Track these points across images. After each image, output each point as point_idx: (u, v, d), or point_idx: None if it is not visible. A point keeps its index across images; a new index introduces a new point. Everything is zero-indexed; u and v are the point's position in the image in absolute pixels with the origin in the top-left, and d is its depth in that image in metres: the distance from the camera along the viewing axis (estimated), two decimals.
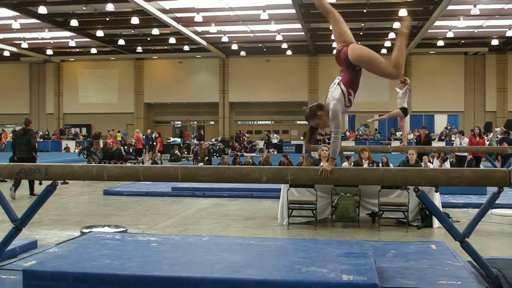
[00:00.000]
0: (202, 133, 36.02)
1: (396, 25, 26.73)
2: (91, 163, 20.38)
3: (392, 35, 29.85)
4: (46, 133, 37.23)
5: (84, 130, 39.29)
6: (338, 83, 4.99)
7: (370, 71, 5.03)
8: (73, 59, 39.76)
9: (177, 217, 10.35)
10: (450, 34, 29.87)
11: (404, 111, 11.05)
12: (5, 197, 5.60)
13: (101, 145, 22.87)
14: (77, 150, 30.51)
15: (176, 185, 13.37)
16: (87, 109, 39.32)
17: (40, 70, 40.81)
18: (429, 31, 28.06)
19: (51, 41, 33.53)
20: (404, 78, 10.92)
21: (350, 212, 8.97)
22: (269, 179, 5.06)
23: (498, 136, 23.41)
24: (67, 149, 33.77)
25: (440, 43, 32.06)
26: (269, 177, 5.05)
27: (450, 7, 23.12)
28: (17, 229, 5.47)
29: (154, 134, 29.58)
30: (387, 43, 32.27)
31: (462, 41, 32.96)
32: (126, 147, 25.77)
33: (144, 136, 30.60)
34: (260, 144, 34.23)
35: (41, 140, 35.64)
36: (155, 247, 6.01)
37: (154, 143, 27.43)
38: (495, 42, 31.71)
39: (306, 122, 5.22)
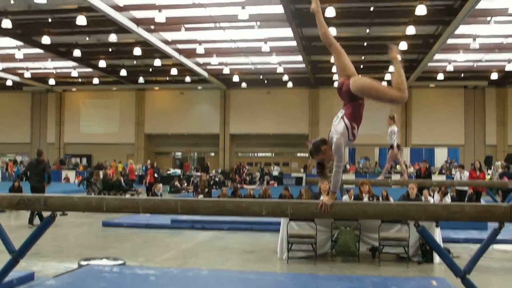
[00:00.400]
0: (208, 165, 35.74)
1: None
2: (90, 194, 20.35)
3: (392, 68, 30.06)
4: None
5: (84, 160, 39.29)
6: (341, 117, 4.98)
7: (375, 99, 5.04)
8: (75, 89, 40.00)
9: (176, 249, 10.28)
10: (450, 68, 30.08)
11: (393, 146, 11.17)
12: (3, 227, 5.56)
13: (101, 176, 22.89)
14: (77, 181, 30.42)
15: (175, 217, 13.28)
16: (88, 139, 39.38)
17: (42, 100, 41.01)
18: (429, 64, 28.25)
19: (54, 71, 33.77)
20: (392, 114, 11.07)
21: (350, 246, 8.90)
22: (269, 213, 5.05)
23: (499, 170, 23.36)
24: (67, 179, 33.71)
25: (440, 76, 32.26)
26: (269, 210, 5.03)
27: (449, 41, 23.33)
28: (14, 261, 5.43)
29: (148, 165, 29.42)
30: (388, 76, 32.43)
31: (462, 75, 33.16)
32: (126, 177, 25.71)
33: (143, 167, 30.61)
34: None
35: None
36: (153, 280, 5.96)
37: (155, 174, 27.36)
38: (494, 76, 31.88)
39: (311, 157, 5.20)
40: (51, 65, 31.55)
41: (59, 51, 27.86)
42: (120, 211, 5.64)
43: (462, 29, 21.69)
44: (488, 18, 20.64)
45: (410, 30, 21.46)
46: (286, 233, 9.09)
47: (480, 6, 18.45)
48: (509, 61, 28.69)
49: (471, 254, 5.29)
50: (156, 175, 26.46)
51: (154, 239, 11.54)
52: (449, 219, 5.11)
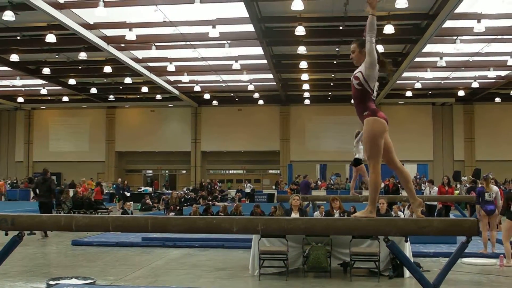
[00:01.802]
0: (203, 183, 34.65)
1: None
2: (60, 212, 20.05)
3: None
4: (15, 181, 36.56)
5: (54, 179, 38.62)
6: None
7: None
8: (44, 107, 39.55)
9: (147, 268, 10.18)
10: (418, 85, 30.58)
11: (356, 161, 11.30)
12: None
13: (71, 194, 22.61)
14: None
15: (146, 235, 13.17)
16: (57, 157, 38.83)
17: (10, 118, 40.48)
18: (398, 82, 28.69)
19: (23, 88, 33.35)
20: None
21: (321, 262, 8.92)
22: (239, 229, 5.04)
23: (467, 185, 23.71)
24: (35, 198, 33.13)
25: (409, 93, 32.76)
26: (240, 227, 5.02)
27: (417, 59, 23.75)
28: None
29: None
30: None
31: (430, 92, 33.72)
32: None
33: (114, 185, 30.32)
34: (232, 193, 34.07)
35: (9, 188, 34.98)
36: None
37: (125, 192, 27.11)
38: (461, 93, 32.54)
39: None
40: (19, 83, 31.17)
41: (28, 69, 27.60)
42: (90, 230, 5.58)
43: (429, 47, 22.13)
44: (454, 37, 21.07)
45: (379, 48, 21.67)
46: (257, 250, 9.08)
47: (446, 25, 18.89)
48: (475, 78, 29.30)
49: (441, 268, 5.35)
50: (126, 193, 26.26)
51: (125, 257, 11.41)
52: (418, 234, 5.17)
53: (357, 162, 11.32)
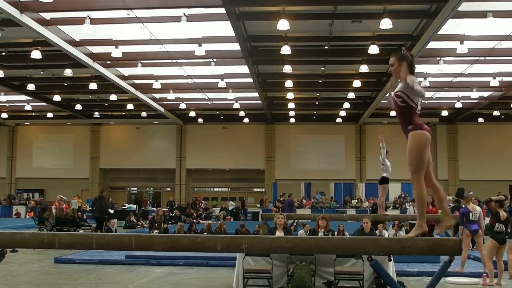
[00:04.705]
0: (173, 203, 33.80)
1: (351, 95, 27.53)
2: (42, 229, 19.86)
3: (346, 105, 30.65)
4: None
5: (37, 195, 38.26)
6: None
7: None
8: (28, 123, 39.25)
9: (130, 286, 10.10)
10: None
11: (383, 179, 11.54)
12: None
13: (54, 211, 22.44)
14: (28, 216, 29.65)
15: (130, 253, 13.09)
16: (40, 173, 38.48)
17: None
18: (382, 101, 28.89)
19: (7, 104, 33.07)
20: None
21: (306, 281, 8.92)
22: (223, 248, 5.04)
23: (450, 204, 23.84)
24: (18, 214, 32.79)
25: (393, 113, 32.68)
26: (224, 246, 5.02)
27: None
28: None
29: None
30: (342, 113, 33.07)
31: None
32: (80, 213, 25.17)
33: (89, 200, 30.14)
34: (217, 211, 33.94)
35: None
36: None
37: (109, 209, 26.92)
38: (445, 113, 32.85)
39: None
40: (3, 99, 30.92)
41: (13, 85, 27.45)
42: (73, 248, 5.55)
43: None
44: (438, 58, 21.36)
45: (364, 68, 21.99)
46: (242, 268, 9.07)
47: (429, 46, 19.13)
48: (458, 99, 29.63)
49: (425, 287, 5.38)
50: (110, 210, 26.05)
51: (108, 276, 11.32)
52: (401, 253, 5.19)
53: (384, 180, 11.54)
